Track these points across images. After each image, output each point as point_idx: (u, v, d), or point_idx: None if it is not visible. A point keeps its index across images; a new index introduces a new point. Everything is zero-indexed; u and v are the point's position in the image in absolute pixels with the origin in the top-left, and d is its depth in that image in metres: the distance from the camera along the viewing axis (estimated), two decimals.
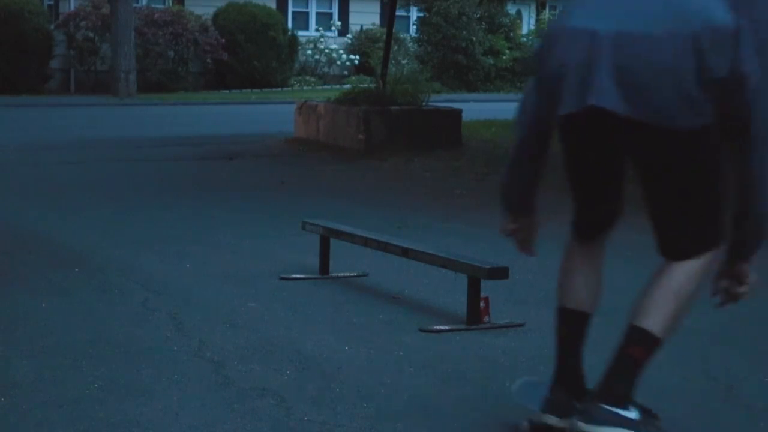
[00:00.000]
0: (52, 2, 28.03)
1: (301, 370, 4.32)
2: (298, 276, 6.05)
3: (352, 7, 31.36)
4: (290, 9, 30.73)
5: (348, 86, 18.01)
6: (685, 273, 3.28)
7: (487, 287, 5.09)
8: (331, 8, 31.36)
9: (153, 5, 28.13)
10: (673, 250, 3.31)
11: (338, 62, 30.25)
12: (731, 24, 3.07)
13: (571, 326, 3.56)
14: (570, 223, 3.59)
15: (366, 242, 6.05)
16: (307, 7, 31.11)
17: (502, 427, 3.76)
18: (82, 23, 26.65)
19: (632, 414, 3.23)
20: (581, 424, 3.21)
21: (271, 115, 18.67)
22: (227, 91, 27.15)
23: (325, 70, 30.29)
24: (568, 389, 3.49)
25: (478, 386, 4.18)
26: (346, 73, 29.55)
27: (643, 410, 3.33)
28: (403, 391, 4.09)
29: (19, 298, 5.48)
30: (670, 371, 4.44)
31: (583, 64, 3.14)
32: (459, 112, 13.53)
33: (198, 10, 27.92)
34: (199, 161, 12.22)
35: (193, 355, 4.51)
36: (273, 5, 29.48)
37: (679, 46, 3.06)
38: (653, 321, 3.25)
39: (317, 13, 31.10)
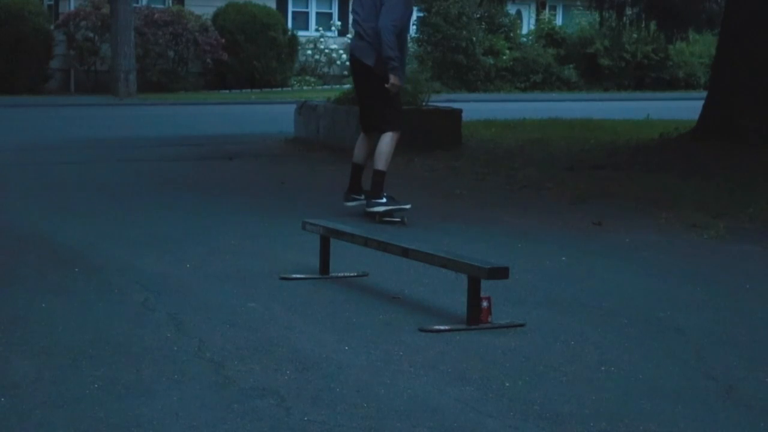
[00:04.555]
0: (52, 2, 28.03)
1: (301, 370, 4.32)
2: (298, 276, 6.04)
3: None
4: (290, 9, 30.73)
5: (348, 86, 18.00)
6: (384, 140, 8.03)
7: (487, 287, 5.09)
8: (331, 8, 31.36)
9: (153, 5, 28.12)
10: (377, 128, 8.11)
11: (338, 62, 30.24)
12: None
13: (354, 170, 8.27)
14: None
15: (366, 242, 6.05)
16: (307, 7, 31.12)
17: (501, 428, 3.76)
18: (82, 23, 26.64)
19: (384, 199, 7.88)
20: (366, 207, 7.95)
21: (271, 115, 18.66)
22: (227, 91, 27.15)
23: (325, 70, 30.31)
24: (352, 191, 8.25)
25: (478, 386, 4.18)
26: (346, 73, 29.48)
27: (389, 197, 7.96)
28: (403, 391, 4.09)
29: (19, 298, 5.47)
30: (670, 371, 4.45)
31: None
32: (459, 112, 13.51)
33: (198, 10, 27.91)
34: (199, 161, 12.21)
35: (193, 355, 4.51)
36: (273, 5, 29.48)
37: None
38: (378, 163, 7.96)
39: (317, 13, 31.11)
